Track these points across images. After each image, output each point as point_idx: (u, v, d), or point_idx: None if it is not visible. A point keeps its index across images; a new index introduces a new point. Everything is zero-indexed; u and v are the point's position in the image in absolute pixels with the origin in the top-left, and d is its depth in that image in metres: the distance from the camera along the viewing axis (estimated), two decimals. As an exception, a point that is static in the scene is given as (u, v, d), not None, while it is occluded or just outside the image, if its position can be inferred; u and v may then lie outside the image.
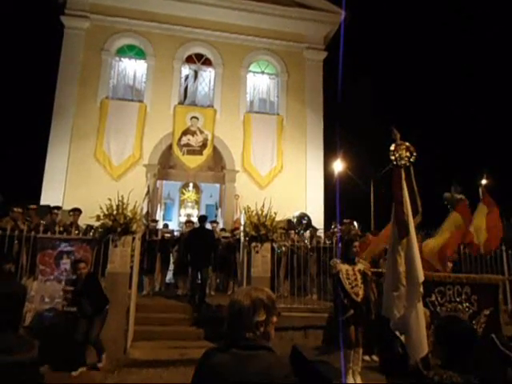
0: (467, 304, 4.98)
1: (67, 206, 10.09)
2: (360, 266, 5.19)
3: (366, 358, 5.67)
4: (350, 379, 4.84)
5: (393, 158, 4.23)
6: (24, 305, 2.06)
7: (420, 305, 4.01)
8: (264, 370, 1.55)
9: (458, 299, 5.01)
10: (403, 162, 4.20)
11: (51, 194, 11.54)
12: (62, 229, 7.23)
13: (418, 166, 4.34)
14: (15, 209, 7.52)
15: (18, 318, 2.00)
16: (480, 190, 7.43)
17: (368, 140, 17.94)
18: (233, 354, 1.60)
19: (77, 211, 8.43)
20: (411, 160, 4.24)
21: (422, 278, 4.00)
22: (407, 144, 4.29)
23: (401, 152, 4.21)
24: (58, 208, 8.83)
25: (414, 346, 3.85)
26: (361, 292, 5.01)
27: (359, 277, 5.08)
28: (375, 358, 5.77)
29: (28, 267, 6.51)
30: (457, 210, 6.05)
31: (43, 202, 11.16)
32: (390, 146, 4.30)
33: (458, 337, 2.12)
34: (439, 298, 5.00)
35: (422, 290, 4.00)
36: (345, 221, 10.25)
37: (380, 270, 5.94)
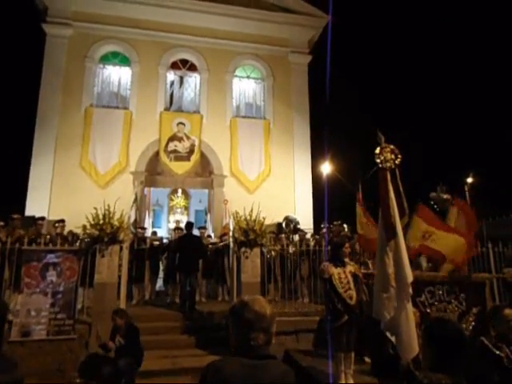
0: (456, 303, 5.02)
1: (53, 217, 9.95)
2: (350, 268, 5.16)
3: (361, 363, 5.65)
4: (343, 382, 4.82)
5: (378, 160, 4.28)
6: (5, 322, 2.00)
7: (409, 305, 4.03)
8: (275, 379, 1.57)
9: (447, 299, 5.05)
10: (389, 165, 4.26)
11: (36, 205, 11.31)
12: (47, 240, 7.11)
13: (402, 167, 4.39)
14: (-4, 221, 7.38)
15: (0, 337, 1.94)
16: (466, 188, 7.44)
17: (355, 141, 18.07)
18: (243, 364, 1.59)
19: (61, 222, 8.33)
20: (396, 162, 4.30)
21: (410, 278, 4.03)
22: (392, 147, 4.36)
23: (386, 155, 4.27)
24: (43, 219, 8.71)
25: (404, 347, 3.87)
26: (354, 295, 4.97)
27: (351, 279, 5.04)
28: (367, 359, 5.77)
29: (12, 280, 6.37)
30: (418, 214, 5.28)
31: (28, 212, 10.96)
32: (375, 148, 4.35)
33: (445, 338, 2.11)
34: (429, 298, 5.03)
35: (410, 290, 4.03)
36: (335, 223, 10.29)
37: (369, 271, 5.96)
